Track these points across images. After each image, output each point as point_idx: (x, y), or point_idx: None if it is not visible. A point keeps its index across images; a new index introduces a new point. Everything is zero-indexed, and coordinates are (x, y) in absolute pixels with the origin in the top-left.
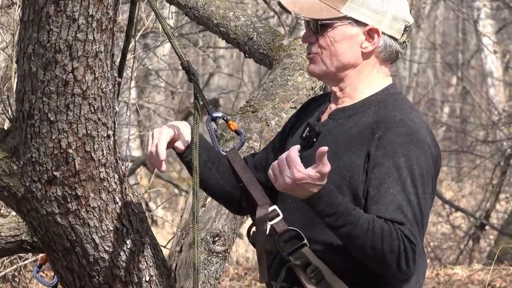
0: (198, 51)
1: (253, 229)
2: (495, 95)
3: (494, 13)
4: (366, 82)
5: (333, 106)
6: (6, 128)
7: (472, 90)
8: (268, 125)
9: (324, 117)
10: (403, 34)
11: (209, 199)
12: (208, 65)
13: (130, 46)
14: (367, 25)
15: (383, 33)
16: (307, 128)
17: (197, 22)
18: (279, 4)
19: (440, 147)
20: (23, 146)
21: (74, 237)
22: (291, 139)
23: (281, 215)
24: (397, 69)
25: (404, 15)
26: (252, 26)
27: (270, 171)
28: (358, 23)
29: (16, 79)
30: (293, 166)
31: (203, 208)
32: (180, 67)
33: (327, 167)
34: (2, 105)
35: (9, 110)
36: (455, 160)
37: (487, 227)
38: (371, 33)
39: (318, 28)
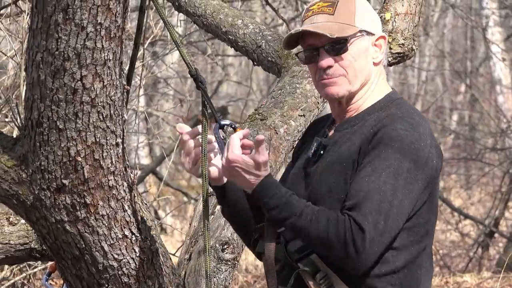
0: (206, 59)
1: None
2: (503, 102)
3: (503, 20)
4: (374, 93)
5: (338, 121)
6: (15, 136)
7: (480, 97)
8: (277, 133)
9: (331, 132)
10: None
11: (218, 207)
12: (217, 73)
13: (139, 54)
14: (374, 34)
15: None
16: (315, 144)
17: (205, 30)
18: (291, 36)
19: (448, 155)
20: (32, 154)
21: (83, 245)
22: (299, 160)
23: None
24: (405, 77)
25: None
26: (260, 34)
27: None
28: (368, 34)
29: (24, 87)
30: (230, 148)
31: (212, 216)
32: (189, 75)
33: (262, 157)
34: (11, 113)
35: (18, 118)
36: (464, 167)
37: (496, 235)
38: (377, 42)
39: (343, 46)
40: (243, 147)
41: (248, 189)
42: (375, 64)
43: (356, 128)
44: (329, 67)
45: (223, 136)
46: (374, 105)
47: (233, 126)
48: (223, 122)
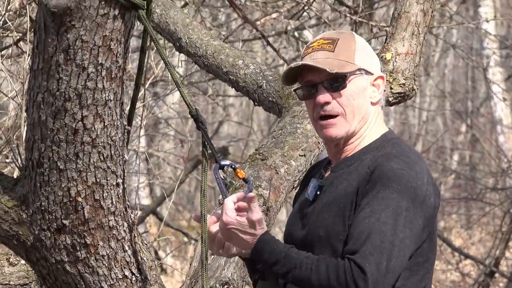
0: (207, 99)
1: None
2: (504, 142)
3: (503, 60)
4: (370, 132)
5: (334, 161)
6: (15, 176)
7: (481, 137)
8: (278, 173)
9: (327, 172)
10: None
11: None
12: (218, 113)
13: (140, 94)
14: (372, 74)
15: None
16: (311, 184)
17: (206, 70)
18: (291, 69)
19: (449, 195)
20: (33, 195)
21: (84, 286)
22: (297, 203)
23: None
24: (406, 117)
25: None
26: (261, 74)
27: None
28: (367, 73)
29: (25, 127)
30: (224, 211)
31: (212, 256)
32: (189, 115)
33: (255, 215)
34: (11, 154)
35: (19, 158)
36: (465, 207)
37: (496, 275)
38: (375, 82)
39: (342, 83)
40: (239, 210)
41: (247, 250)
42: (372, 104)
43: (352, 168)
44: (327, 103)
45: (223, 176)
46: (370, 144)
47: (233, 166)
48: (223, 163)
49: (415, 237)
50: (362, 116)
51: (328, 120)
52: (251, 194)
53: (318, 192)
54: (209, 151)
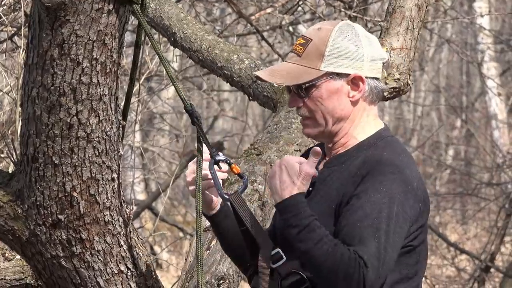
0: (202, 94)
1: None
2: (499, 137)
3: (498, 55)
4: (359, 128)
5: (328, 156)
6: (10, 171)
7: (476, 132)
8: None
9: (320, 167)
10: (382, 71)
11: (214, 242)
12: (213, 108)
13: (135, 89)
14: (349, 74)
15: (366, 77)
16: None
17: (201, 65)
18: (258, 78)
19: (444, 190)
20: (28, 190)
21: (79, 281)
22: None
23: (284, 258)
24: (401, 112)
25: (379, 53)
26: (256, 68)
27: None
28: (339, 75)
29: (20, 122)
30: (288, 156)
31: (208, 251)
32: (184, 110)
33: (310, 169)
34: (6, 149)
35: (14, 153)
36: (460, 202)
37: (492, 270)
38: (355, 81)
39: (303, 91)
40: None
41: (276, 196)
42: (352, 102)
43: (345, 167)
44: (298, 107)
45: (226, 161)
46: (363, 142)
47: (228, 162)
48: (218, 158)
49: (402, 241)
50: (337, 118)
51: (303, 120)
52: (317, 149)
53: (311, 189)
54: (204, 146)
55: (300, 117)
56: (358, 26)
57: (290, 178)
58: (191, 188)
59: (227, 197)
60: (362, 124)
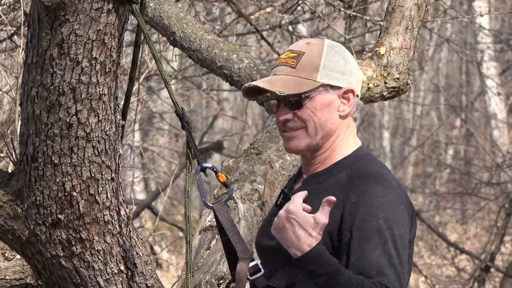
0: (201, 94)
1: (232, 285)
2: (499, 137)
3: (498, 55)
4: (340, 145)
5: (306, 173)
6: (10, 171)
7: (476, 132)
8: (272, 168)
9: (298, 185)
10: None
11: (214, 241)
12: (212, 107)
13: (134, 88)
14: (341, 88)
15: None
16: (281, 195)
17: (200, 64)
18: (250, 89)
19: (444, 189)
20: (27, 189)
21: (79, 280)
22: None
23: (262, 271)
24: (401, 112)
25: (360, 72)
26: (255, 68)
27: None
28: (332, 88)
29: (20, 122)
30: (292, 201)
31: (208, 251)
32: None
33: (324, 218)
34: (6, 148)
35: (13, 153)
36: (460, 202)
37: (492, 270)
38: (345, 95)
39: (299, 102)
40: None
41: (294, 250)
42: (341, 117)
43: (326, 186)
44: (287, 120)
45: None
46: (342, 160)
47: (214, 169)
48: (205, 165)
49: (407, 254)
50: (326, 131)
51: (290, 133)
52: (332, 198)
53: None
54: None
55: (284, 133)
56: (340, 45)
57: (306, 231)
58: None
59: (211, 205)
60: (345, 140)
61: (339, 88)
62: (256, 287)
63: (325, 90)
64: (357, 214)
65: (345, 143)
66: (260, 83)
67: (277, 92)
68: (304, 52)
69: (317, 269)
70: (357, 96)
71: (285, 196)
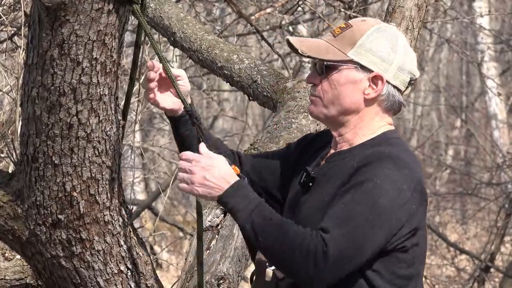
0: (202, 94)
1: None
2: (499, 137)
3: (498, 55)
4: (366, 129)
5: (332, 151)
6: (10, 171)
7: (476, 132)
8: None
9: (322, 162)
10: (407, 87)
11: (214, 241)
12: (212, 108)
13: (134, 89)
14: (372, 71)
15: (387, 81)
16: (304, 174)
17: (201, 65)
18: (287, 42)
19: (444, 190)
20: (28, 189)
21: (79, 281)
22: (293, 182)
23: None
24: (401, 112)
25: (410, 67)
26: (256, 68)
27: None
28: (363, 68)
29: (20, 122)
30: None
31: (208, 251)
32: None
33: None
34: (6, 149)
35: (14, 153)
36: (460, 202)
37: (492, 270)
38: (375, 80)
39: (323, 69)
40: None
41: (216, 197)
42: (366, 100)
43: (345, 162)
44: (314, 84)
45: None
46: (367, 141)
47: (228, 163)
48: None
49: (384, 237)
50: (344, 108)
51: (311, 97)
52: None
53: (311, 184)
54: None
55: (310, 95)
56: (402, 36)
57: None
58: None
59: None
60: (372, 127)
61: (370, 71)
62: (277, 276)
63: (355, 67)
64: (355, 174)
65: (373, 129)
66: (292, 38)
67: (299, 50)
68: (352, 26)
69: (240, 202)
70: (398, 89)
71: (307, 174)
